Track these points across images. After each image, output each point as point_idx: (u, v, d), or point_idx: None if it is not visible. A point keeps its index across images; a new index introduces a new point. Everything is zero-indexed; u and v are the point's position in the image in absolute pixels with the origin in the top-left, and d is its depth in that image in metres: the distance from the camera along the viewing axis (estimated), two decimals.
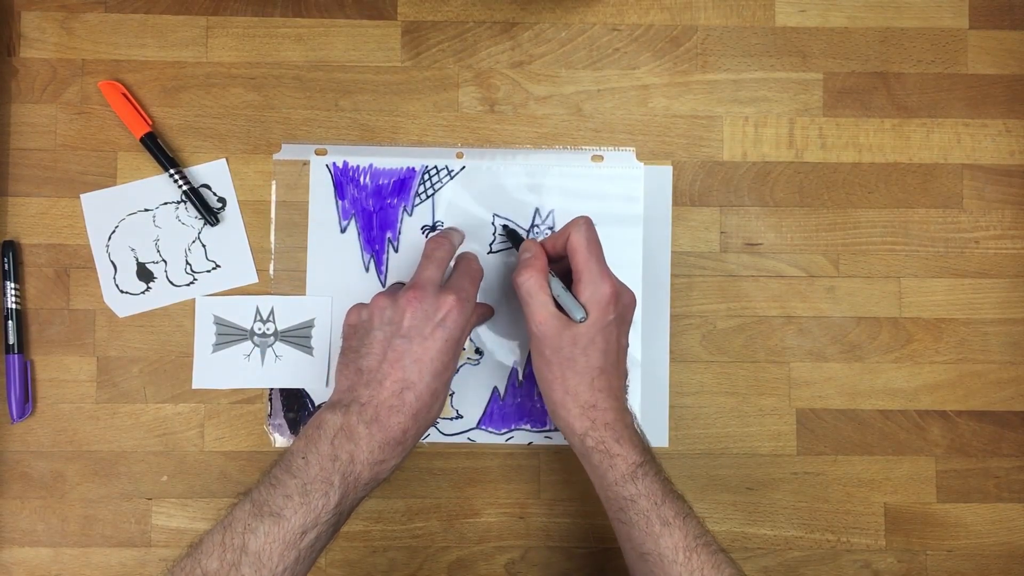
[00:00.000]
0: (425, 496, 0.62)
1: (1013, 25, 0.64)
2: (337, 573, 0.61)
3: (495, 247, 0.62)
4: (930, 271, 0.63)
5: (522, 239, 0.59)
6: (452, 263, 0.57)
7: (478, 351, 0.62)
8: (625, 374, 0.56)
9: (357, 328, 0.54)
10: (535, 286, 0.53)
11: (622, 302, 0.54)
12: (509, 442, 0.62)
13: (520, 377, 0.62)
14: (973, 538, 0.62)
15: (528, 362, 0.62)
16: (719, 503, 0.62)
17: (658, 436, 0.62)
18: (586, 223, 0.54)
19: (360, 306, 0.55)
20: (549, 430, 0.62)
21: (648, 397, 0.62)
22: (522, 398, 0.62)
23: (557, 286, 0.54)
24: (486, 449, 0.62)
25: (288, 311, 0.62)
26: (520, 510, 0.62)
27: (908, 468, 0.62)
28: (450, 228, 0.60)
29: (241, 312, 0.62)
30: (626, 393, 0.56)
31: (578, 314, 0.53)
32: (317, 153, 0.62)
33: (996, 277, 0.63)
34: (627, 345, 0.56)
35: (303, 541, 0.47)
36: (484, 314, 0.61)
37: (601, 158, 0.63)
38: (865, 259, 0.63)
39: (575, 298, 0.53)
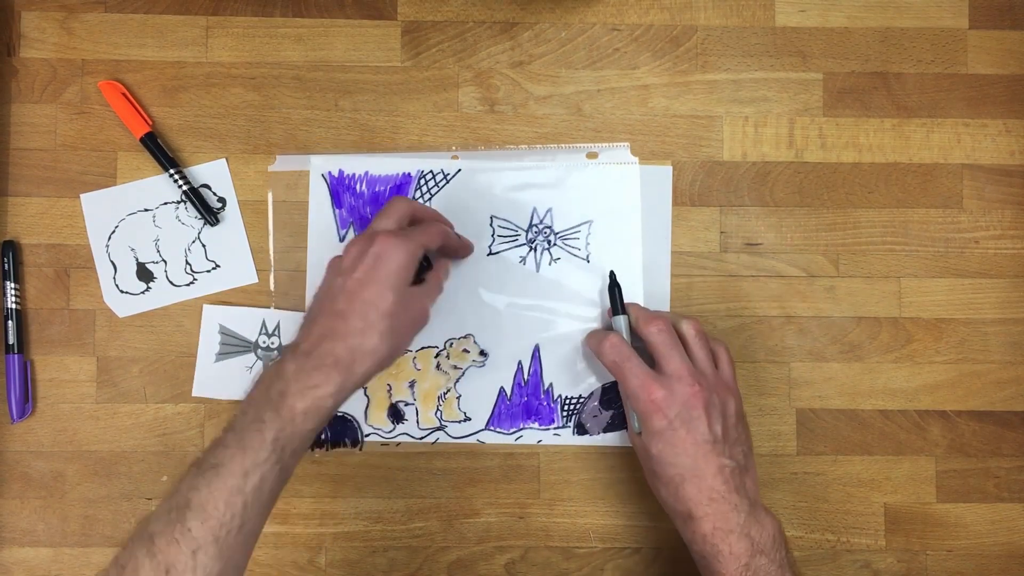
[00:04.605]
0: (425, 496, 0.62)
1: (1013, 25, 0.64)
2: (337, 573, 0.61)
3: (494, 248, 0.62)
4: (930, 271, 0.63)
5: (620, 302, 0.59)
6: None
7: (483, 352, 0.62)
8: (727, 468, 0.52)
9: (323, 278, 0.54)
10: (624, 403, 0.58)
11: (676, 401, 0.53)
12: (518, 442, 0.62)
13: (525, 376, 0.62)
14: (973, 538, 0.62)
15: (533, 360, 0.62)
16: None
17: None
18: (610, 342, 0.56)
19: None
20: (557, 427, 0.62)
21: None
22: (528, 397, 0.62)
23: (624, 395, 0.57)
24: (486, 449, 0.62)
25: (294, 326, 0.61)
26: (520, 510, 0.62)
27: (908, 468, 0.62)
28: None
29: (247, 324, 0.61)
30: (738, 479, 0.53)
31: (635, 424, 0.55)
32: (311, 162, 0.62)
33: (996, 277, 0.63)
34: (714, 439, 0.53)
35: (247, 485, 0.46)
36: (450, 244, 0.57)
37: (596, 155, 0.63)
38: (865, 259, 0.63)
39: (633, 411, 0.55)
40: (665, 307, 0.62)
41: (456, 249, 0.59)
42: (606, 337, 0.57)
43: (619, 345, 0.56)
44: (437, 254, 0.58)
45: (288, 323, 0.61)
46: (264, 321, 0.61)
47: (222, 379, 0.61)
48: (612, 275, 0.60)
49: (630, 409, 0.56)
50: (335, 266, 0.53)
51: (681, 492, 0.52)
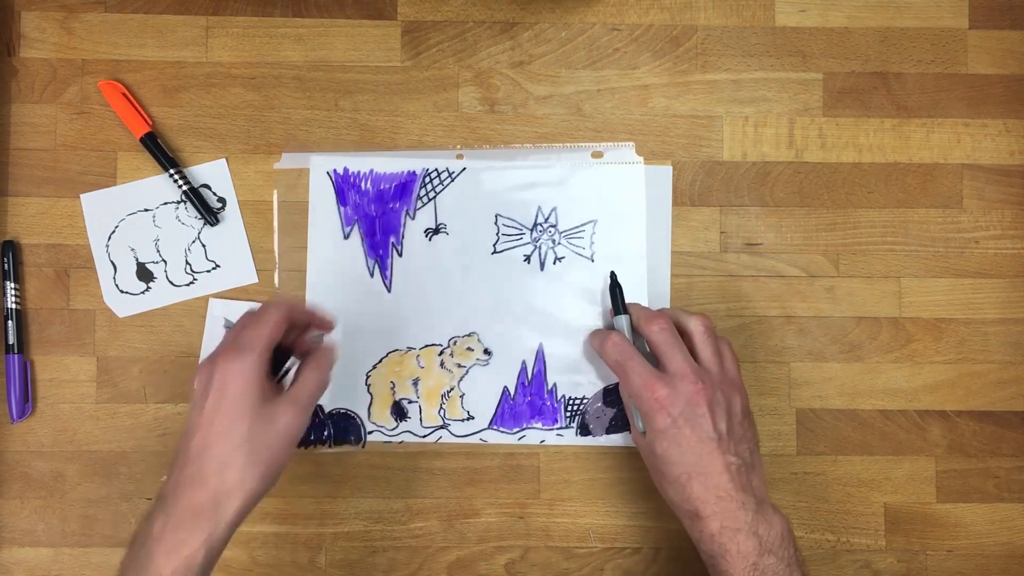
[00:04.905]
0: (425, 496, 0.62)
1: (1013, 25, 0.64)
2: (337, 573, 0.61)
3: (499, 247, 0.62)
4: (930, 271, 0.63)
5: (622, 302, 0.59)
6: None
7: (487, 351, 0.62)
8: (733, 465, 0.52)
9: None
10: (626, 402, 0.57)
11: (680, 399, 0.52)
12: (521, 441, 0.62)
13: (529, 375, 0.62)
14: (973, 538, 0.62)
15: (537, 359, 0.62)
16: None
17: None
18: (611, 341, 0.56)
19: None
20: (561, 428, 0.62)
21: None
22: (532, 396, 0.62)
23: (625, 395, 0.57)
24: (486, 449, 0.62)
25: None
26: (520, 510, 0.62)
27: (908, 468, 0.62)
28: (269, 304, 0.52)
29: None
30: (744, 477, 0.52)
31: (639, 424, 0.56)
32: (317, 160, 0.62)
33: (996, 277, 0.63)
34: (719, 436, 0.52)
35: None
36: (300, 321, 0.53)
37: (601, 154, 0.63)
38: (865, 259, 0.63)
39: (637, 411, 0.56)
40: (665, 307, 0.62)
41: (315, 322, 0.54)
42: (608, 336, 0.57)
43: (621, 344, 0.56)
44: (309, 337, 0.54)
45: None
46: None
47: None
48: (613, 275, 0.60)
49: (633, 409, 0.56)
50: (193, 396, 0.49)
51: (688, 491, 0.52)
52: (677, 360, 0.54)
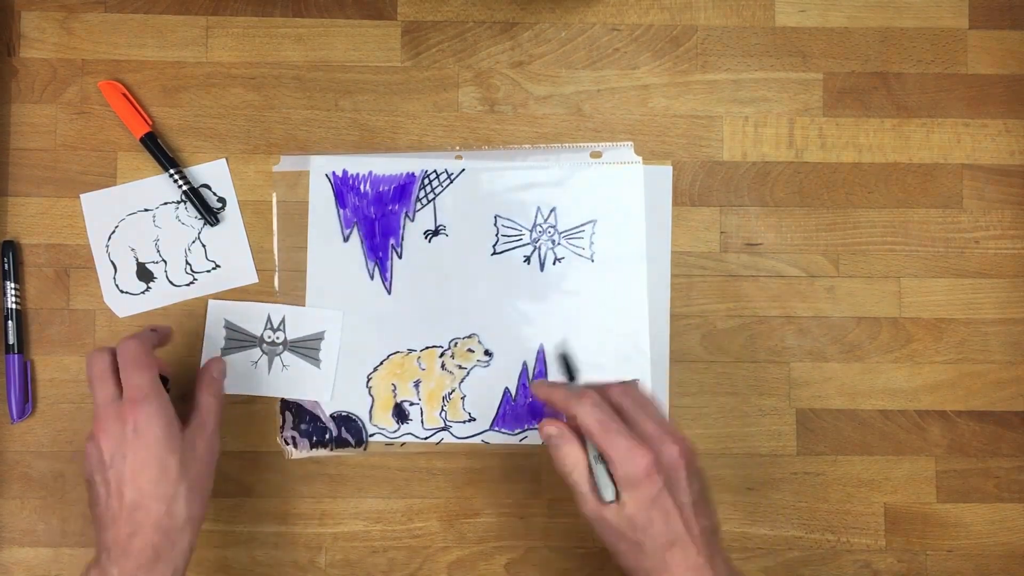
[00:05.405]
0: (425, 496, 0.62)
1: (1013, 25, 0.64)
2: (337, 573, 0.61)
3: (498, 248, 0.62)
4: (930, 271, 0.63)
5: (575, 373, 0.53)
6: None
7: (488, 352, 0.62)
8: (707, 530, 0.49)
9: (87, 484, 0.51)
10: (575, 475, 0.50)
11: (665, 464, 0.49)
12: (523, 442, 0.62)
13: (530, 376, 0.62)
14: (973, 538, 0.62)
15: (538, 360, 0.62)
16: (719, 503, 0.62)
17: None
18: (591, 401, 0.50)
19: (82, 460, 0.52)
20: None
21: None
22: (533, 397, 0.62)
23: (592, 455, 0.49)
24: (486, 449, 0.62)
25: (299, 322, 0.62)
26: (520, 510, 0.62)
27: (908, 468, 0.62)
28: (128, 338, 0.53)
29: (252, 319, 0.62)
30: (714, 536, 0.50)
31: (607, 494, 0.49)
32: (315, 163, 0.62)
33: (996, 277, 0.63)
34: (694, 500, 0.49)
35: None
36: (160, 343, 0.56)
37: (600, 154, 0.63)
38: (865, 259, 0.63)
39: (609, 475, 0.49)
40: (665, 307, 0.62)
41: (163, 340, 0.56)
42: (585, 395, 0.50)
43: (601, 405, 0.50)
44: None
45: (293, 318, 0.61)
46: (269, 316, 0.62)
47: (227, 374, 0.61)
48: (564, 357, 0.54)
49: (605, 477, 0.49)
50: (93, 464, 0.50)
51: (668, 559, 0.48)
52: (649, 423, 0.50)
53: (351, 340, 0.61)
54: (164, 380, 0.53)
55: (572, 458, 0.50)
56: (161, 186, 0.62)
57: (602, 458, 0.49)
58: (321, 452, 0.61)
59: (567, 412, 0.51)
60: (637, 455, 0.48)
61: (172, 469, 0.49)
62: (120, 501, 0.48)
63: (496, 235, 0.62)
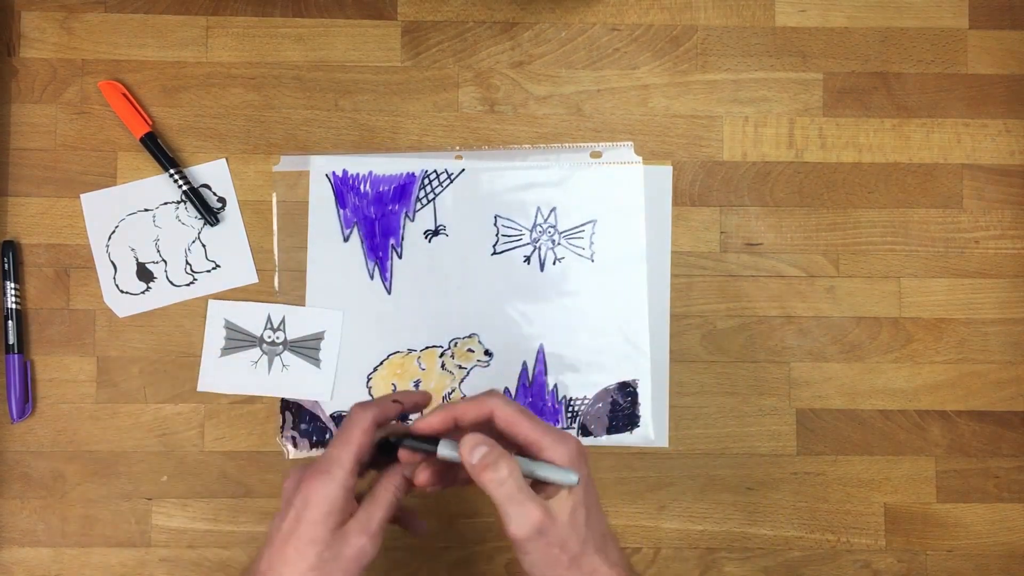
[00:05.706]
0: (425, 496, 0.62)
1: (1013, 25, 0.64)
2: None
3: (499, 248, 0.62)
4: (930, 271, 0.63)
5: (396, 448, 0.47)
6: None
7: (488, 352, 0.62)
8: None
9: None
10: (513, 485, 0.44)
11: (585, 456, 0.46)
12: None
13: (530, 376, 0.62)
14: (973, 538, 0.62)
15: (537, 360, 0.62)
16: (719, 503, 0.62)
17: (658, 436, 0.62)
18: (500, 396, 0.46)
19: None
20: (562, 429, 0.61)
21: (648, 397, 0.62)
22: (533, 398, 0.62)
23: (526, 465, 0.44)
24: None
25: (299, 322, 0.62)
26: None
27: (908, 468, 0.62)
28: (385, 398, 0.49)
29: (252, 319, 0.62)
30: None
31: (571, 478, 0.44)
32: (315, 163, 0.62)
33: (996, 277, 0.63)
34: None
35: None
36: (391, 415, 0.49)
37: (600, 154, 0.63)
38: (865, 259, 0.63)
39: (554, 465, 0.44)
40: (665, 307, 0.62)
41: (408, 407, 0.51)
42: (490, 392, 0.47)
43: (508, 399, 0.47)
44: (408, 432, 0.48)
45: (293, 318, 0.62)
46: (269, 315, 0.62)
47: (227, 374, 0.61)
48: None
49: (552, 467, 0.45)
50: (283, 493, 0.47)
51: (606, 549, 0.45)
52: (539, 421, 0.46)
53: (351, 340, 0.61)
54: (392, 444, 0.47)
55: (507, 467, 0.44)
56: (161, 186, 0.62)
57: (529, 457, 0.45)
58: (316, 452, 0.61)
59: (480, 414, 0.46)
60: (566, 436, 0.45)
61: (303, 562, 0.45)
62: (257, 565, 0.46)
63: (496, 235, 0.62)
